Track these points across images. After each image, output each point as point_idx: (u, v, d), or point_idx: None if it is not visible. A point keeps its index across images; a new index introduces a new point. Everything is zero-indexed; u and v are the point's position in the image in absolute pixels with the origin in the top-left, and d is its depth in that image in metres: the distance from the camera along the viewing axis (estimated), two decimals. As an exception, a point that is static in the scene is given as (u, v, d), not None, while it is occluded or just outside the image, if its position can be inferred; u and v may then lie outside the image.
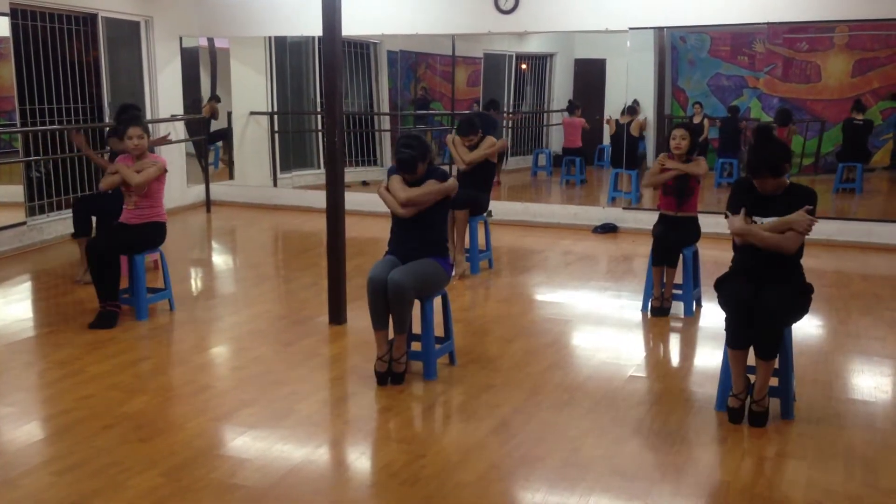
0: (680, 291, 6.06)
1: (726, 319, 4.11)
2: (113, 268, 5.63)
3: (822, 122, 10.40)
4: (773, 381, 4.22)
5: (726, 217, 4.18)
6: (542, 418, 4.16)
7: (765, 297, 3.98)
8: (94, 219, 6.80)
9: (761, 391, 4.06)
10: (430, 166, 4.74)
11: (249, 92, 11.34)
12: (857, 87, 10.08)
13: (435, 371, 4.70)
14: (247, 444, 3.86)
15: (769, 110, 10.57)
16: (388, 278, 4.46)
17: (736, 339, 4.06)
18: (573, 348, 5.47)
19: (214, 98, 11.31)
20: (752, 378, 4.15)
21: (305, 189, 11.22)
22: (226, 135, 11.40)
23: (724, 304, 4.13)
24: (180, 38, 10.52)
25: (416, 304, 4.74)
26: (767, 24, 8.87)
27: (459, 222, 6.98)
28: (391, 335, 4.59)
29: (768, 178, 4.00)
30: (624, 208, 9.68)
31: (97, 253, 5.60)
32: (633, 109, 10.31)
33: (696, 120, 10.67)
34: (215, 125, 11.33)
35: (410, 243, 4.68)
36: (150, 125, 6.14)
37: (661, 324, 5.86)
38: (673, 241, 5.91)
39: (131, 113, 6.37)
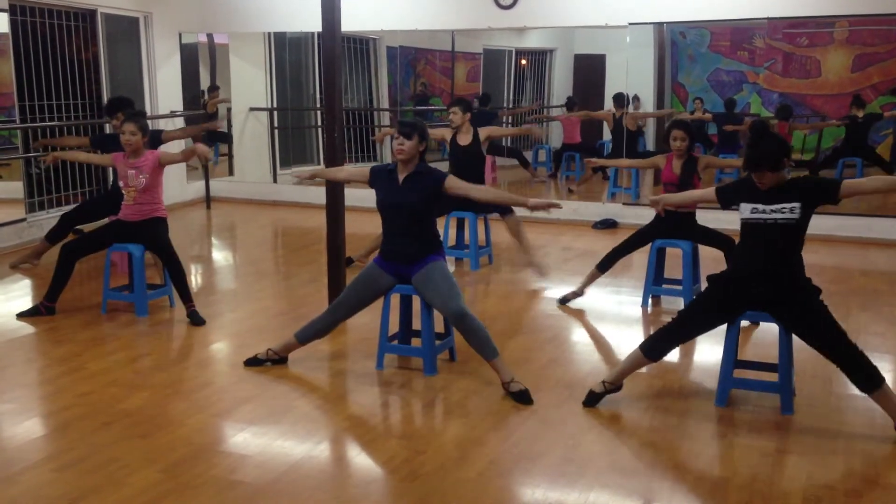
0: (679, 287, 6.06)
1: (663, 329, 4.19)
2: (67, 270, 5.79)
3: (821, 118, 10.38)
4: (773, 377, 4.23)
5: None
6: (542, 414, 4.16)
7: (808, 340, 4.00)
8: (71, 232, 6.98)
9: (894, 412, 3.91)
10: (423, 159, 4.61)
11: (249, 88, 11.32)
12: (856, 83, 10.06)
13: (435, 367, 4.70)
14: (247, 440, 3.86)
15: (769, 105, 10.55)
16: (449, 314, 4.44)
17: (661, 351, 4.18)
18: (573, 344, 5.47)
19: (214, 90, 11.32)
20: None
21: (305, 185, 11.19)
22: (226, 136, 11.37)
23: (684, 315, 4.19)
24: (179, 34, 10.50)
25: (416, 300, 4.75)
26: (767, 19, 8.86)
27: (512, 227, 6.99)
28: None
29: (766, 173, 3.98)
30: (624, 204, 9.67)
31: (71, 255, 5.77)
32: (620, 101, 10.25)
33: (697, 115, 10.65)
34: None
35: (406, 243, 4.58)
36: (148, 121, 6.15)
37: (661, 319, 5.85)
38: (661, 234, 5.95)
39: (130, 108, 6.38)
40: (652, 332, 4.31)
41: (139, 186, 5.69)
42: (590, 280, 6.21)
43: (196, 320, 5.65)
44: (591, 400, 4.21)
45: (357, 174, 4.94)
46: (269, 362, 4.77)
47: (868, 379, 3.87)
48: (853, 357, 3.89)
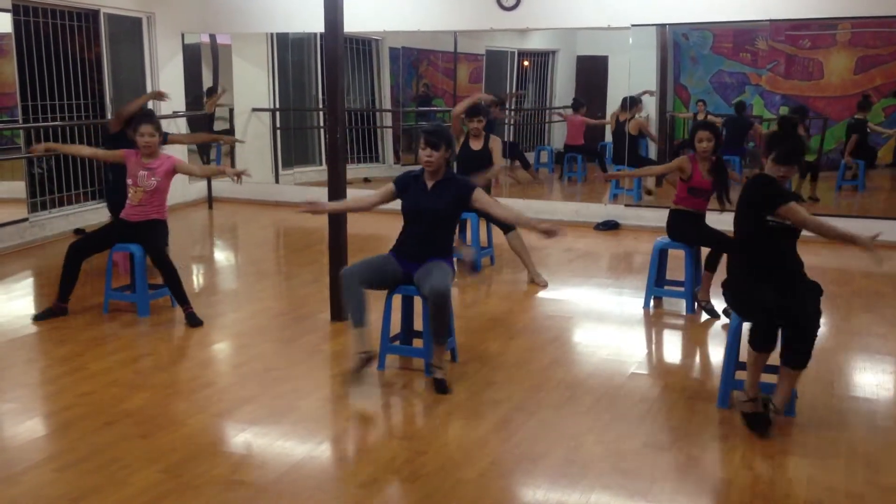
0: (681, 288, 6.06)
1: (755, 325, 4.03)
2: (75, 269, 5.77)
3: (824, 120, 10.38)
4: (775, 379, 4.22)
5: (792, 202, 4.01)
6: (544, 415, 4.16)
7: (800, 302, 3.93)
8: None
9: (786, 399, 3.94)
10: (450, 166, 4.63)
11: (251, 88, 11.33)
12: (859, 85, 10.06)
13: (436, 368, 4.70)
14: (248, 440, 3.87)
15: (772, 107, 10.55)
16: (429, 288, 4.36)
17: (767, 340, 3.99)
18: (575, 345, 5.47)
19: (214, 91, 11.33)
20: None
21: (307, 186, 11.21)
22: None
23: (752, 311, 4.05)
24: (182, 35, 10.52)
25: (418, 301, 4.75)
26: (770, 20, 8.85)
27: (514, 245, 6.90)
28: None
29: (794, 167, 4.01)
30: (626, 205, 9.67)
31: (78, 254, 5.76)
32: (625, 105, 10.23)
33: (700, 117, 10.65)
34: (219, 125, 11.32)
35: (421, 245, 4.60)
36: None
37: (663, 321, 5.85)
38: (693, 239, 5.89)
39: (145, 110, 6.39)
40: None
41: (148, 188, 5.68)
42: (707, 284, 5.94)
43: (193, 322, 5.63)
44: (762, 424, 3.95)
45: (383, 195, 4.72)
46: (367, 363, 4.43)
47: (805, 357, 3.87)
48: (812, 336, 3.88)
